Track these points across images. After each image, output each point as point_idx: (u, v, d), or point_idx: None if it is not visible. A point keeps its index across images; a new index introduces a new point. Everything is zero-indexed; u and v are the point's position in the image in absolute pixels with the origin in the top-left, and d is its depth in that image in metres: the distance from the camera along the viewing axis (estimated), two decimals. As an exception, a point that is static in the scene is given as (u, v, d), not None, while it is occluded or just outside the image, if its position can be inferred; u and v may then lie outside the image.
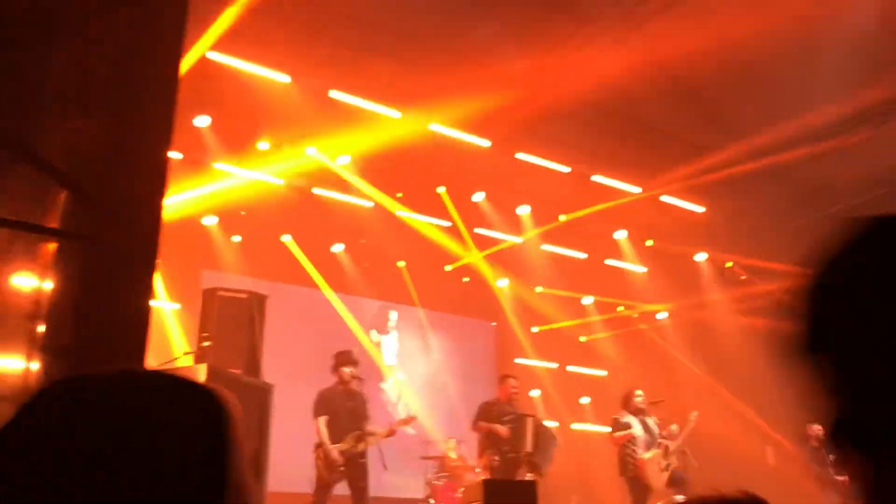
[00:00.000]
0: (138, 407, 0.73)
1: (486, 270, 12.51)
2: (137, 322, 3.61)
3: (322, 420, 7.48)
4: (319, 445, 7.44)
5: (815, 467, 9.33)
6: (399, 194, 10.94)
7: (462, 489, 9.74)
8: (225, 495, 0.73)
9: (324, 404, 7.58)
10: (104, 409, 0.72)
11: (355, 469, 7.34)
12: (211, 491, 0.73)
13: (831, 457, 9.25)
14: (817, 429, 9.47)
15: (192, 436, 0.73)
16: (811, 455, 9.42)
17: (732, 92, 10.44)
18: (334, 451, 7.29)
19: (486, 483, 4.89)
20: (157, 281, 9.73)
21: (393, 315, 12.83)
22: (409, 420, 8.47)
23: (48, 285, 3.76)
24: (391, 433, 7.90)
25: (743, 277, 12.88)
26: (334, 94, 8.99)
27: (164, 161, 3.80)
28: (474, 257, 12.01)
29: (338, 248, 11.79)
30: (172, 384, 0.77)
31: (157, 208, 3.75)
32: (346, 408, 7.53)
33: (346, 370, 7.58)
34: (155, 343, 3.97)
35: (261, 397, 5.88)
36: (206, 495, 0.72)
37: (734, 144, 10.93)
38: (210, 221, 10.57)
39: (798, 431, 9.76)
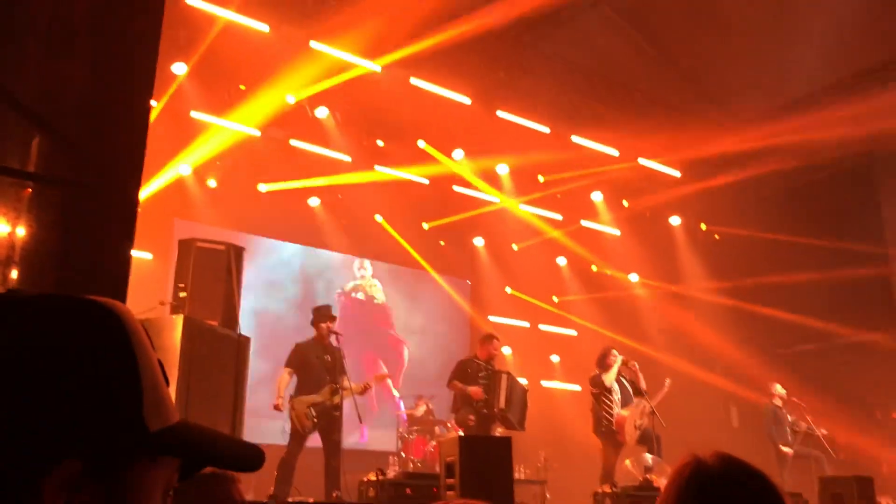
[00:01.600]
0: (31, 333, 0.66)
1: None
2: (117, 271, 3.57)
3: (286, 371, 7.53)
4: (294, 397, 7.48)
5: (773, 425, 9.57)
6: (380, 142, 10.81)
7: (433, 443, 9.90)
8: (143, 412, 0.67)
9: (296, 357, 7.61)
10: None
11: (329, 422, 7.39)
12: (126, 410, 0.67)
13: (790, 417, 9.51)
14: (780, 389, 9.72)
15: (94, 355, 0.67)
16: (771, 413, 9.67)
17: (716, 60, 10.47)
18: (283, 401, 7.34)
19: (461, 439, 4.95)
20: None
21: (367, 264, 12.83)
22: (384, 377, 8.53)
23: (22, 231, 3.70)
24: (366, 388, 7.95)
25: (716, 237, 13.05)
26: (315, 44, 8.84)
27: (146, 107, 3.73)
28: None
29: (314, 201, 11.69)
30: (61, 304, 0.69)
31: (137, 156, 3.69)
32: (322, 361, 7.55)
33: (324, 325, 7.59)
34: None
35: (237, 350, 5.87)
36: (122, 415, 0.66)
37: (717, 113, 10.98)
38: (185, 170, 10.42)
39: (763, 389, 10.00)
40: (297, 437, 7.39)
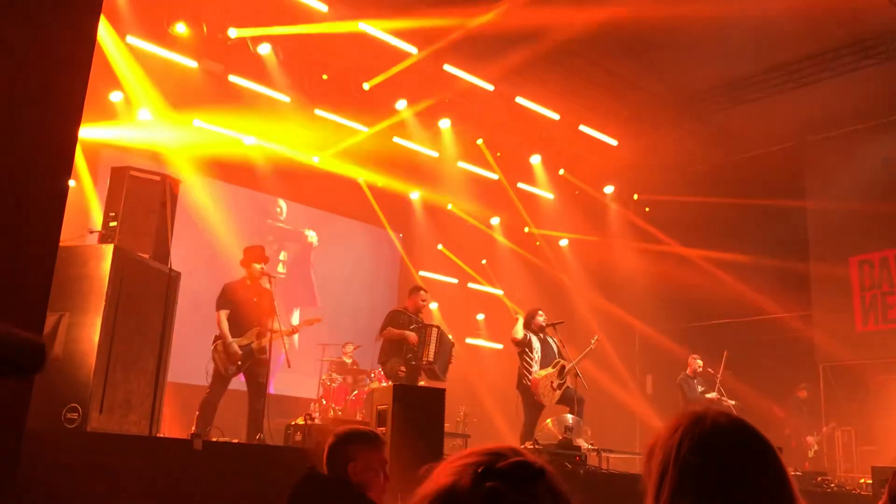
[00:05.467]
0: None
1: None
2: (53, 197, 3.41)
3: (223, 314, 7.38)
4: (218, 338, 7.35)
5: (687, 394, 9.95)
6: (324, 76, 10.51)
7: (356, 392, 9.91)
8: None
9: (227, 297, 7.46)
10: None
11: (255, 364, 7.30)
12: None
13: (700, 388, 9.88)
14: (697, 361, 10.06)
15: None
16: (685, 383, 10.03)
17: (663, 33, 10.57)
18: (234, 344, 7.23)
19: (396, 388, 4.96)
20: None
21: (282, 204, 12.61)
22: (314, 321, 8.44)
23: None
24: (293, 332, 7.87)
25: (647, 209, 13.31)
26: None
27: (96, 11, 3.54)
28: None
29: (250, 140, 11.37)
30: None
31: (83, 69, 3.50)
32: (251, 303, 7.42)
33: (256, 266, 7.45)
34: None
35: (168, 285, 5.69)
36: None
37: (657, 82, 11.12)
38: (116, 97, 9.98)
39: (680, 360, 10.33)
40: (220, 378, 7.28)
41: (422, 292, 8.42)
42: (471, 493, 0.85)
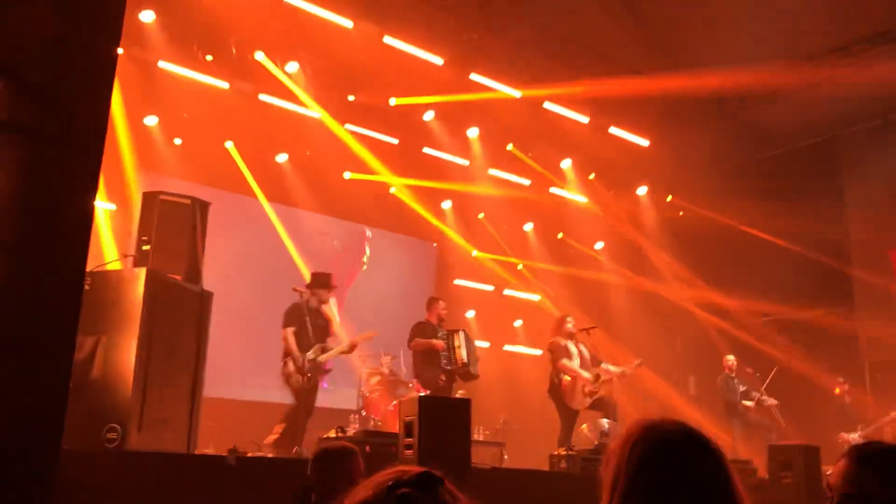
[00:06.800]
0: None
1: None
2: (80, 220, 3.52)
3: (290, 331, 7.69)
4: (287, 355, 7.64)
5: (727, 394, 9.85)
6: (351, 96, 10.68)
7: (394, 402, 9.98)
8: None
9: (293, 317, 7.78)
10: None
11: (312, 381, 7.62)
12: None
13: (741, 387, 9.78)
14: (732, 360, 9.96)
15: None
16: (724, 383, 9.93)
17: (687, 26, 10.50)
18: (301, 358, 7.51)
19: (421, 399, 5.01)
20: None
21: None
22: (371, 336, 8.69)
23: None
24: (353, 348, 8.11)
25: (681, 213, 13.17)
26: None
27: (113, 53, 3.65)
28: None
29: (282, 157, 11.57)
30: None
31: (104, 103, 3.62)
32: (314, 324, 7.74)
33: (321, 290, 7.81)
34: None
35: (200, 305, 5.84)
36: None
37: (685, 77, 11.01)
38: (150, 121, 10.23)
39: (717, 361, 10.23)
40: (301, 392, 7.54)
41: (440, 302, 8.68)
42: (384, 501, 0.97)
